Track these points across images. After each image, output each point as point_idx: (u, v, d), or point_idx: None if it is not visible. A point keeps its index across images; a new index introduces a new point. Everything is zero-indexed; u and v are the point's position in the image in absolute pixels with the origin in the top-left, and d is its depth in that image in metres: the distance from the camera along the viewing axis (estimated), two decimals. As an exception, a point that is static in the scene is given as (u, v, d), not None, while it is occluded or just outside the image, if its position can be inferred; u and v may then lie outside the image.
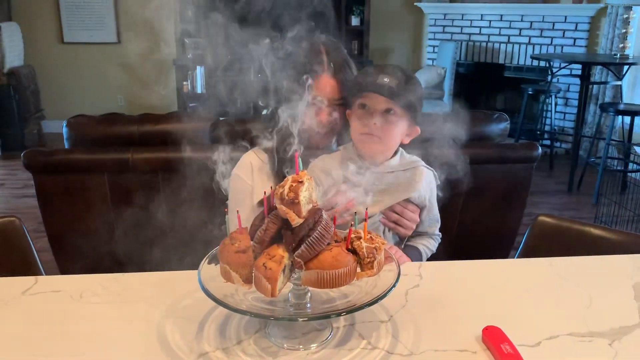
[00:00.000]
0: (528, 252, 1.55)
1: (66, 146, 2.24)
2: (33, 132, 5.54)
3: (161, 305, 1.04)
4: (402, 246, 1.42)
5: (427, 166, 1.41)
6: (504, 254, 2.40)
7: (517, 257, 1.56)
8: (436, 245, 1.48)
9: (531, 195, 2.89)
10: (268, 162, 1.48)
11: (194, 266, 0.98)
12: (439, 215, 1.45)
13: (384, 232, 1.37)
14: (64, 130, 2.23)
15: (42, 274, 1.41)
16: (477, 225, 2.34)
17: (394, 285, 0.88)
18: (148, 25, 6.10)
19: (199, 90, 5.89)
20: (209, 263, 0.97)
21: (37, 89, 5.70)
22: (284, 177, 1.20)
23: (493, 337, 0.91)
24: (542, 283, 1.15)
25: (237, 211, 0.95)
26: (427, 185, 1.39)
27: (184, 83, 5.88)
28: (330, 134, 1.46)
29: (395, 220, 1.36)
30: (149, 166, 2.14)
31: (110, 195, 2.16)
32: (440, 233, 1.48)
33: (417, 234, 1.43)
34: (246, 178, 1.49)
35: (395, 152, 1.37)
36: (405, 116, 1.32)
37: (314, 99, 1.40)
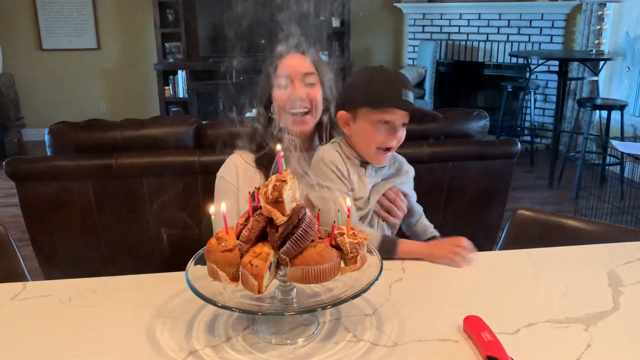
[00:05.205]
0: (508, 245, 1.59)
1: (48, 153, 2.24)
2: (13, 140, 5.49)
3: (150, 306, 1.05)
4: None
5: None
6: (486, 250, 2.44)
7: (498, 250, 1.60)
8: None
9: (513, 190, 2.94)
10: (255, 162, 1.50)
11: (181, 268, 1.00)
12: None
13: (377, 223, 1.41)
14: (46, 137, 2.23)
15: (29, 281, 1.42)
16: (459, 222, 2.38)
17: (377, 278, 0.91)
18: (128, 30, 6.09)
19: (180, 95, 5.88)
20: (196, 264, 0.99)
21: (16, 97, 5.64)
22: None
23: (474, 326, 0.94)
24: (521, 273, 1.19)
25: (224, 213, 0.97)
26: (411, 176, 1.46)
27: (166, 87, 5.87)
28: (311, 118, 1.47)
29: (387, 208, 1.39)
30: (133, 171, 2.15)
31: (95, 201, 2.16)
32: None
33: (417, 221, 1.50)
34: (231, 180, 1.51)
35: None
36: None
37: (284, 75, 1.44)
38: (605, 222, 1.69)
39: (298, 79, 1.44)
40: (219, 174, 1.55)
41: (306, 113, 1.45)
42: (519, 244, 1.53)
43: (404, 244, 1.28)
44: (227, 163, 1.56)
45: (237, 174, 1.51)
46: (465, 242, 1.27)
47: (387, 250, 1.26)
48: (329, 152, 1.34)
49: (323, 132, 1.49)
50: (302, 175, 1.43)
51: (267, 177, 1.48)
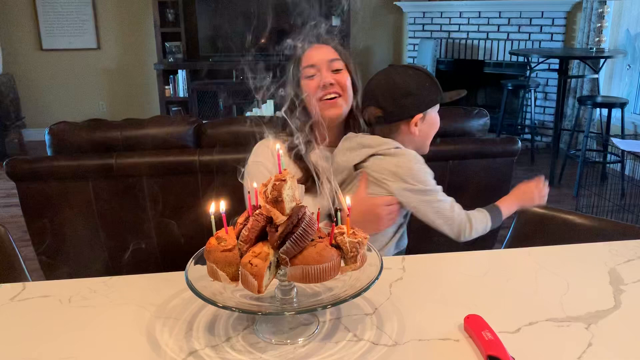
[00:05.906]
0: (515, 242, 1.59)
1: (49, 153, 2.23)
2: (14, 140, 5.49)
3: (150, 307, 1.05)
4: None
5: None
6: (487, 248, 2.44)
7: (504, 248, 1.60)
8: None
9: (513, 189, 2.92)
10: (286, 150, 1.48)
11: (181, 268, 1.00)
12: None
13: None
14: (46, 137, 2.23)
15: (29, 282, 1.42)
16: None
17: (377, 277, 0.90)
18: (128, 30, 6.08)
19: (181, 94, 5.88)
20: (195, 264, 0.99)
21: (17, 97, 5.64)
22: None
23: (474, 325, 0.93)
24: (522, 272, 1.19)
25: (223, 211, 0.96)
26: None
27: (166, 87, 5.86)
28: (343, 102, 1.47)
29: None
30: (133, 171, 2.15)
31: (95, 202, 2.16)
32: None
33: None
34: (269, 163, 1.46)
35: None
36: None
37: (311, 65, 1.45)
38: (609, 219, 1.69)
39: (325, 67, 1.46)
40: (251, 159, 1.49)
41: (337, 97, 1.47)
42: (526, 240, 1.53)
43: (504, 208, 1.49)
44: (258, 148, 1.50)
45: (272, 158, 1.46)
46: (542, 179, 1.55)
47: (497, 220, 1.47)
48: (416, 156, 1.43)
49: (352, 125, 1.51)
50: (327, 170, 1.43)
51: (298, 168, 1.46)
